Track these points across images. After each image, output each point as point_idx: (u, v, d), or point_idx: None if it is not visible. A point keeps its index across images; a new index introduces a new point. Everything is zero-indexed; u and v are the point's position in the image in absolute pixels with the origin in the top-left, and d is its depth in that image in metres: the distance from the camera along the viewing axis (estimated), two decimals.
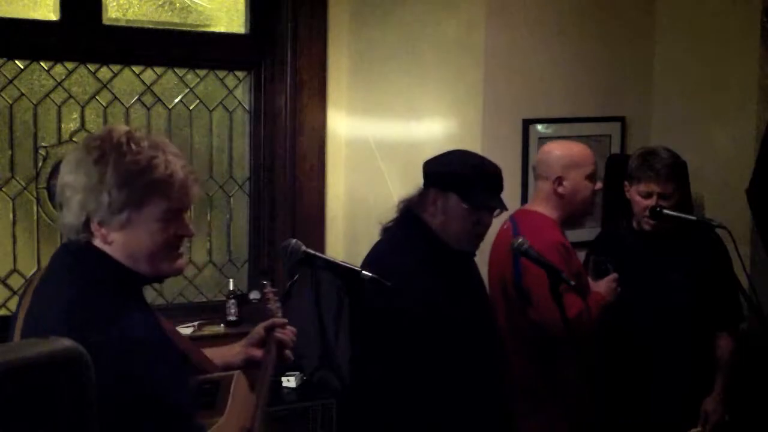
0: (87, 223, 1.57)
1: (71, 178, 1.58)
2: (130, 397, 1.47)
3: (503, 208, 2.48)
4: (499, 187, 2.47)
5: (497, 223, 2.66)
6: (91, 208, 1.56)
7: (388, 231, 2.51)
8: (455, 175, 2.41)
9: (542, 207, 2.83)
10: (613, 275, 2.81)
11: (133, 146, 1.58)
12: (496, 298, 2.79)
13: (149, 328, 1.60)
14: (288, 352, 2.04)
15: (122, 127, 1.62)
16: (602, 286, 2.77)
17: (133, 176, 1.56)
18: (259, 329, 2.03)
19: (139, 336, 1.54)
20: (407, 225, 2.47)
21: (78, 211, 1.57)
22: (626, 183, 2.96)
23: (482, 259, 2.98)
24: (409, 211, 2.47)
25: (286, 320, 2.04)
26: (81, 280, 1.57)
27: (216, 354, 1.98)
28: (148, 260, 1.61)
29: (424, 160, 2.53)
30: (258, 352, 2.00)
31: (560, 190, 2.79)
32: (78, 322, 1.48)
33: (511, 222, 2.83)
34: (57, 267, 1.63)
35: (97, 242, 1.59)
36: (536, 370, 2.74)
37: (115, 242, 1.58)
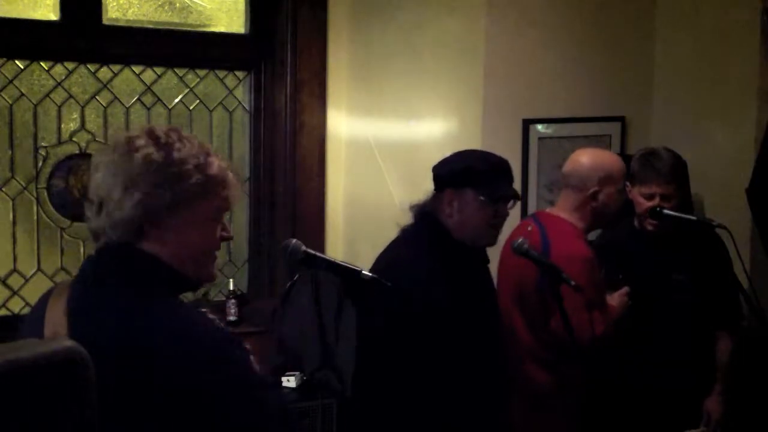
0: (140, 221, 1.49)
1: (122, 176, 1.48)
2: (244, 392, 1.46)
3: (518, 197, 2.50)
4: (512, 177, 2.49)
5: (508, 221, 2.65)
6: (151, 204, 1.48)
7: (406, 232, 2.52)
8: (469, 171, 2.42)
9: (570, 215, 2.78)
10: (625, 288, 2.80)
11: (186, 143, 1.53)
12: (510, 300, 2.76)
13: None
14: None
15: (161, 126, 1.56)
16: (615, 299, 2.77)
17: (193, 172, 1.51)
18: None
19: (228, 334, 1.52)
20: (424, 226, 2.47)
21: (135, 207, 1.47)
22: (628, 184, 2.95)
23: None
24: (425, 214, 2.48)
25: None
26: (151, 290, 1.49)
27: None
28: (197, 262, 1.55)
29: (432, 165, 2.52)
30: None
31: (594, 203, 2.76)
32: (164, 329, 1.43)
33: (537, 225, 2.78)
34: (108, 271, 1.50)
35: (146, 245, 1.50)
36: (547, 374, 2.72)
37: (168, 243, 1.51)
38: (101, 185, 1.51)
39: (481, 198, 2.40)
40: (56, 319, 1.50)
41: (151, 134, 1.53)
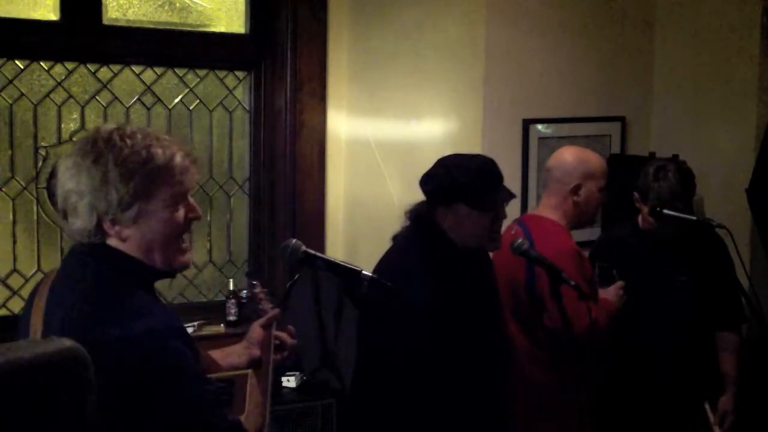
0: (99, 225, 1.58)
1: (73, 183, 1.58)
2: (166, 389, 1.51)
3: (512, 195, 2.47)
4: (501, 177, 2.46)
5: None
6: (102, 208, 1.57)
7: (403, 237, 2.50)
8: (459, 187, 2.38)
9: (552, 213, 2.80)
10: (620, 283, 2.80)
11: (128, 140, 1.59)
12: (505, 302, 2.76)
13: (173, 318, 1.62)
14: (288, 349, 2.05)
15: (108, 125, 1.64)
16: (610, 294, 2.77)
17: (136, 168, 1.57)
18: (256, 328, 2.03)
19: (170, 326, 1.57)
20: (421, 231, 2.46)
21: (88, 214, 1.58)
22: (636, 194, 2.95)
23: None
24: (422, 218, 2.46)
25: (277, 311, 2.06)
26: (101, 280, 1.58)
27: (218, 356, 1.98)
28: (162, 250, 1.62)
29: (418, 180, 2.49)
30: (258, 352, 2.00)
31: (575, 198, 2.77)
32: (105, 320, 1.51)
33: (521, 227, 2.78)
34: (72, 269, 1.63)
35: (112, 242, 1.61)
36: (549, 374, 2.72)
37: (129, 238, 1.60)
38: (60, 194, 1.61)
39: (476, 211, 2.39)
40: (37, 316, 1.60)
41: (96, 138, 1.61)
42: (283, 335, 2.04)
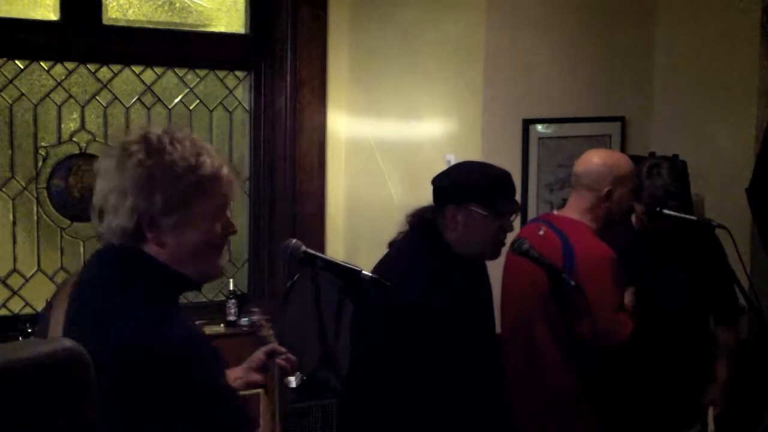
0: (138, 227, 1.53)
1: (116, 181, 1.53)
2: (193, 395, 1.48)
3: (520, 210, 2.48)
4: (515, 189, 2.47)
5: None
6: (144, 209, 1.52)
7: (402, 241, 2.50)
8: (472, 186, 2.39)
9: (582, 216, 2.76)
10: (632, 288, 2.79)
11: (178, 146, 1.55)
12: (528, 310, 2.73)
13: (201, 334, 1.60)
14: (289, 378, 2.04)
15: (158, 128, 1.59)
16: (626, 299, 2.76)
17: (184, 174, 1.53)
18: (259, 354, 2.00)
19: (195, 335, 1.56)
20: (422, 235, 2.46)
21: (129, 213, 1.52)
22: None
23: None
24: (425, 223, 2.46)
25: (284, 350, 2.02)
26: (133, 286, 1.53)
27: None
28: (197, 261, 1.59)
29: (432, 165, 2.49)
30: (258, 377, 1.97)
31: (607, 203, 2.74)
32: (138, 329, 1.47)
33: (551, 228, 2.74)
34: (102, 273, 1.57)
35: (148, 247, 1.55)
36: (571, 381, 2.70)
37: (167, 244, 1.55)
38: (99, 192, 1.56)
39: (486, 213, 2.38)
40: (58, 319, 1.54)
41: (145, 139, 1.55)
42: (286, 365, 2.01)
